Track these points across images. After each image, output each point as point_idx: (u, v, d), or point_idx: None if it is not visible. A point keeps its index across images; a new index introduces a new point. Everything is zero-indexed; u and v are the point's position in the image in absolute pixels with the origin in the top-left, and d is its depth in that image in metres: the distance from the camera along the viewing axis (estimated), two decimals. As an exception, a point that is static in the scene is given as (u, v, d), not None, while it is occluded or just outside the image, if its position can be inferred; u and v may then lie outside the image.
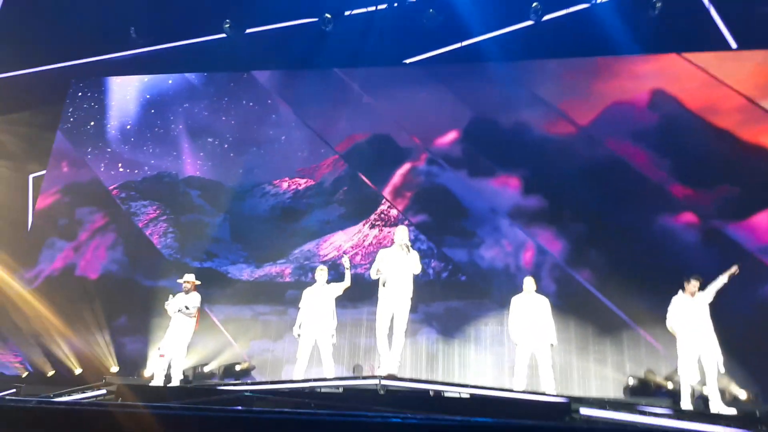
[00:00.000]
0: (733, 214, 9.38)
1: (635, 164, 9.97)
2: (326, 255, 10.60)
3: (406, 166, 10.85)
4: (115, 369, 9.76)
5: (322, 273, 7.47)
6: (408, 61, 11.41)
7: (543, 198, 10.12)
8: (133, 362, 9.94)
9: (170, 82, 12.23)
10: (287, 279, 10.51)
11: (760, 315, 8.59)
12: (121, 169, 11.74)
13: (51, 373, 9.92)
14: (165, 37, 11.52)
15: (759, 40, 10.03)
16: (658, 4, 10.09)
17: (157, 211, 11.37)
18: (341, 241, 10.67)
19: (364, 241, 10.58)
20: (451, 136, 10.85)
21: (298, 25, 11.22)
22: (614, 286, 9.14)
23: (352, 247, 10.57)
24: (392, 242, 6.73)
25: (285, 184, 11.25)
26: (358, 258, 10.42)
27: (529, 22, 10.62)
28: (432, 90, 11.10)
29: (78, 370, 9.94)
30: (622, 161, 10.02)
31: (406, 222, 10.38)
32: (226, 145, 11.61)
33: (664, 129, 10.10)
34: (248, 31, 11.22)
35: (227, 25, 11.00)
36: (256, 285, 10.50)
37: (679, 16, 10.19)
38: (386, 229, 10.54)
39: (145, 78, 12.34)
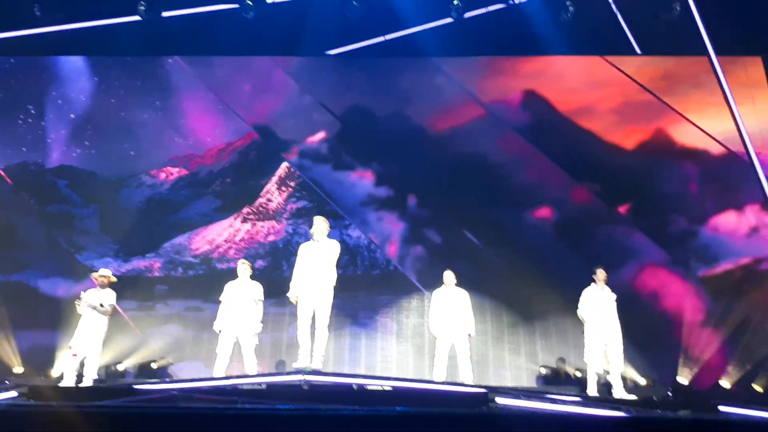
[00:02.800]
0: (593, 210, 10.13)
1: (504, 161, 10.47)
2: (198, 249, 10.41)
3: (282, 161, 10.82)
4: (19, 370, 9.19)
5: (244, 267, 7.37)
6: (332, 52, 11.33)
7: (412, 193, 10.44)
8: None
9: (55, 65, 11.38)
10: (156, 273, 10.23)
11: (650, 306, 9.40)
12: None
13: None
14: (73, 16, 10.80)
15: (661, 44, 10.68)
16: (571, 8, 10.52)
17: (20, 202, 10.66)
18: (214, 235, 10.51)
19: (235, 235, 10.49)
20: (322, 133, 10.91)
21: (217, 11, 10.85)
22: (479, 278, 9.39)
23: (225, 241, 10.45)
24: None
25: (163, 175, 10.87)
26: (231, 252, 10.31)
27: (449, 20, 10.79)
28: (334, 82, 11.09)
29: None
30: (493, 158, 10.48)
31: (286, 215, 10.48)
32: (103, 133, 10.97)
33: (533, 129, 10.64)
34: (164, 14, 10.73)
35: (142, 7, 10.48)
36: (122, 280, 10.04)
37: (590, 21, 10.68)
38: (260, 223, 10.50)
39: (20, 59, 11.31)
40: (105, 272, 7.75)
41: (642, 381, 8.17)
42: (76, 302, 7.45)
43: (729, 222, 9.86)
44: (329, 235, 6.67)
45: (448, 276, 7.77)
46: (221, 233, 10.49)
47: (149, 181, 10.83)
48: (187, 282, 10.09)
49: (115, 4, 10.65)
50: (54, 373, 8.86)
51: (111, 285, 7.74)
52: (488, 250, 9.73)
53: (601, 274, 7.45)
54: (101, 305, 7.39)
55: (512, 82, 10.94)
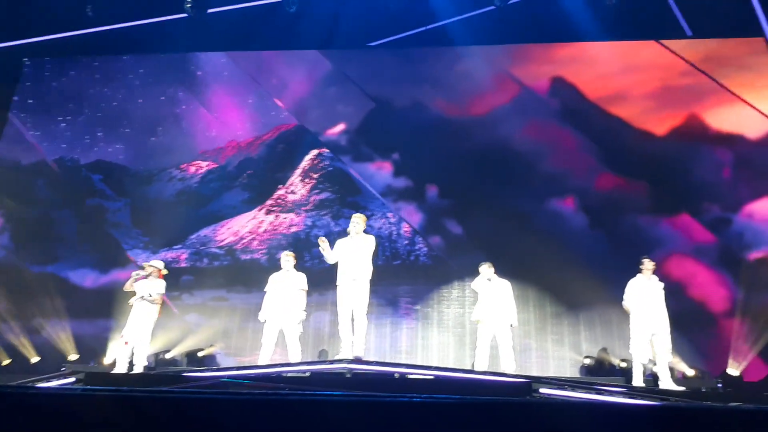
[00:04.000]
0: (622, 198, 9.80)
1: (530, 149, 10.23)
2: (223, 240, 10.60)
3: (311, 152, 10.91)
4: (74, 357, 9.57)
5: (288, 258, 7.49)
6: (373, 44, 11.35)
7: (433, 183, 10.34)
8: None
9: (96, 64, 11.80)
10: (182, 264, 10.45)
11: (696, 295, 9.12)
12: (18, 155, 11.30)
13: (7, 361, 9.68)
14: (123, 16, 11.11)
15: (708, 27, 10.33)
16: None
17: (56, 196, 11.03)
18: (239, 226, 10.67)
19: (259, 227, 10.61)
20: (343, 124, 10.96)
21: (261, 6, 10.99)
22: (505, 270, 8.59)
23: (249, 232, 10.60)
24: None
25: (192, 168, 11.11)
26: (254, 243, 10.46)
27: (488, 8, 10.66)
28: (361, 73, 11.13)
29: (35, 359, 9.72)
30: (518, 147, 10.28)
31: (309, 206, 10.55)
32: (136, 129, 11.32)
33: (561, 116, 10.40)
34: (210, 11, 10.93)
35: (188, 5, 10.71)
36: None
37: (633, 5, 10.39)
38: (282, 215, 10.60)
39: (59, 59, 11.81)
40: (157, 264, 7.98)
41: (690, 372, 7.97)
42: (134, 275, 7.67)
43: (765, 209, 9.45)
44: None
45: (486, 267, 7.75)
46: (245, 225, 10.69)
47: (179, 174, 11.13)
48: (212, 273, 10.34)
49: (162, 2, 10.91)
50: (106, 360, 9.20)
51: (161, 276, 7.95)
52: (515, 239, 9.40)
53: (648, 263, 7.32)
54: (150, 295, 7.63)
55: (543, 69, 10.74)
